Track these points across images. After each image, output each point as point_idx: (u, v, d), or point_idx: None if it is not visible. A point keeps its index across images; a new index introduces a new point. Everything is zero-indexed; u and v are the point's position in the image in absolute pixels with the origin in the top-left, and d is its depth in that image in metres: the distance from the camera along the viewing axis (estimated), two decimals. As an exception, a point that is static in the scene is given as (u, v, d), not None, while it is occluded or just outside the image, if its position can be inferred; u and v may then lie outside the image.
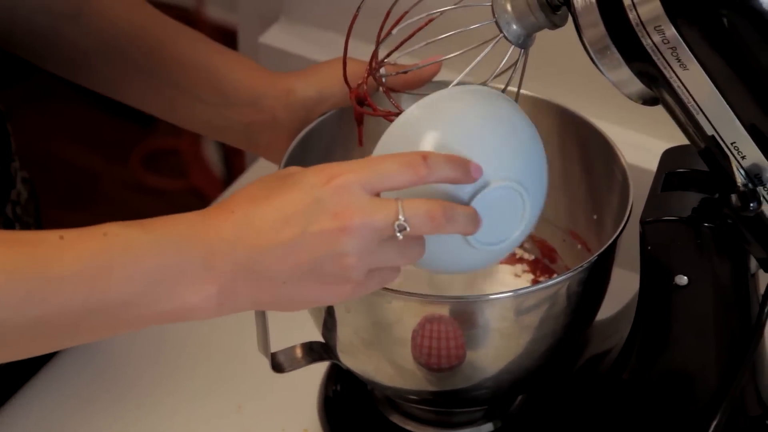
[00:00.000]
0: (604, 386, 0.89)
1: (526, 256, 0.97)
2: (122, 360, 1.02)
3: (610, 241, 0.83)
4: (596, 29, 0.77)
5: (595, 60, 0.78)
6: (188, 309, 0.73)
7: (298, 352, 0.91)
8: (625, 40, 0.76)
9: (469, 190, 0.75)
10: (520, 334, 0.84)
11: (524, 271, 0.96)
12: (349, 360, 0.89)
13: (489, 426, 0.93)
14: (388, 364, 0.86)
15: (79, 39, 0.92)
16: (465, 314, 0.82)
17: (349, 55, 0.86)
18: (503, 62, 0.81)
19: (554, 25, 0.80)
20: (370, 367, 0.88)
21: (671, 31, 0.74)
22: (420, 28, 0.83)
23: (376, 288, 0.75)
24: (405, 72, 0.86)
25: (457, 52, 0.81)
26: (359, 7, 0.83)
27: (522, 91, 0.85)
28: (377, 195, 0.72)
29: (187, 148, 2.12)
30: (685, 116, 0.78)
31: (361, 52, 0.89)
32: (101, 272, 0.71)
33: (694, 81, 0.76)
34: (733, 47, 0.74)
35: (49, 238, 0.72)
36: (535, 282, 0.95)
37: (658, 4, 0.73)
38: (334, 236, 0.71)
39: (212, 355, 1.02)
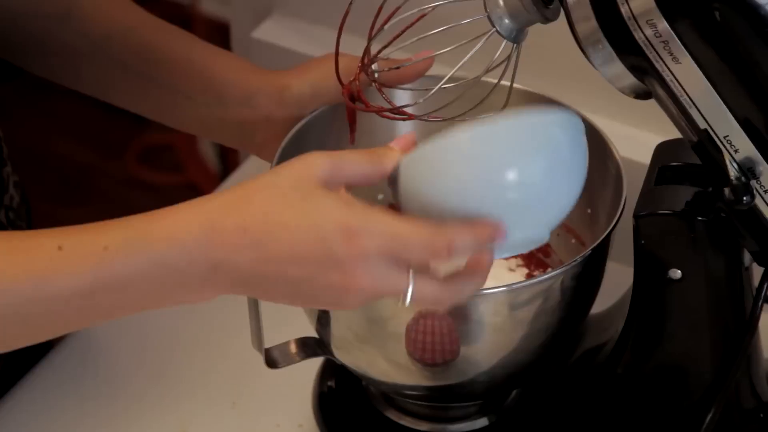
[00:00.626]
0: (599, 380, 0.89)
1: (520, 250, 0.97)
2: (116, 357, 1.02)
3: (604, 235, 0.83)
4: (588, 23, 0.76)
5: (588, 54, 0.78)
6: (177, 304, 0.73)
7: (293, 348, 0.91)
8: (617, 34, 0.76)
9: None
10: (514, 328, 0.84)
11: (518, 266, 0.96)
12: (343, 355, 0.89)
13: (484, 420, 0.93)
14: (382, 360, 0.86)
15: (68, 41, 0.92)
16: (459, 309, 0.82)
17: (342, 50, 0.86)
18: (496, 57, 0.81)
19: (546, 20, 0.80)
20: (365, 362, 0.88)
21: (663, 25, 0.74)
22: (412, 24, 0.83)
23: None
24: (397, 67, 0.86)
25: (450, 47, 0.81)
26: (351, 2, 0.83)
27: (515, 85, 0.85)
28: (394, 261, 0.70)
29: (182, 143, 2.11)
30: (677, 110, 0.78)
31: (353, 47, 0.88)
32: (100, 290, 0.70)
33: (686, 75, 0.76)
34: (726, 41, 0.74)
35: (47, 246, 0.70)
36: (529, 276, 0.95)
37: (650, -3, 0.73)
38: (339, 291, 0.70)
39: (206, 352, 1.02)
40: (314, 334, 0.90)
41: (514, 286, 0.82)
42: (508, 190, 0.70)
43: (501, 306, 0.82)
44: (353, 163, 0.73)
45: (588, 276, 0.85)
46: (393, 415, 0.94)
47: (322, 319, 0.87)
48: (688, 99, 0.77)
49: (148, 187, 2.11)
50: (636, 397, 0.88)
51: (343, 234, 0.69)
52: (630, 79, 0.78)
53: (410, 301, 0.71)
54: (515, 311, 0.83)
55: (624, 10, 0.75)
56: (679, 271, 0.82)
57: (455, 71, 0.80)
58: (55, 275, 0.70)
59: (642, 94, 0.80)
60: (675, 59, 0.75)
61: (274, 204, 0.70)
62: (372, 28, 0.83)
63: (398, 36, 0.83)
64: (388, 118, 0.86)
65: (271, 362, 0.89)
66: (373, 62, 0.84)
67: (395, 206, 0.97)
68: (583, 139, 0.72)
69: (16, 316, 0.70)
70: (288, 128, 0.90)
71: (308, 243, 0.69)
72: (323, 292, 0.71)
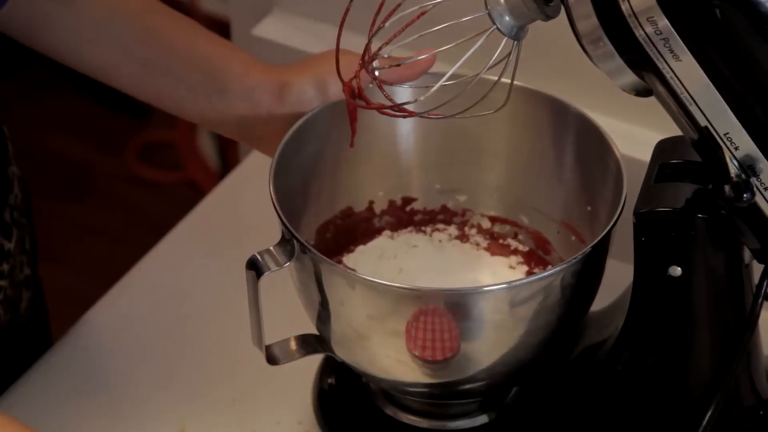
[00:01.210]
0: (599, 377, 0.89)
1: (521, 247, 0.97)
2: (115, 354, 1.02)
3: (604, 233, 0.83)
4: (589, 20, 0.76)
5: (588, 51, 0.78)
6: None
7: (293, 345, 0.91)
8: (618, 31, 0.76)
9: None
10: (514, 325, 0.84)
11: (519, 263, 0.96)
12: (343, 352, 0.89)
13: (484, 417, 0.93)
14: (382, 357, 0.86)
15: (73, 24, 0.92)
16: (459, 306, 0.82)
17: (342, 47, 0.86)
18: (496, 54, 0.81)
19: (547, 17, 0.80)
20: (365, 359, 0.88)
21: (664, 23, 0.74)
22: (413, 21, 0.83)
23: None
24: (398, 65, 0.86)
25: (450, 45, 0.81)
26: None
27: (515, 82, 0.85)
28: None
29: (181, 141, 2.11)
30: (678, 107, 0.78)
31: (354, 43, 0.88)
32: None
33: (686, 72, 0.76)
34: (726, 38, 0.74)
35: None
36: (529, 273, 0.95)
37: (651, -6, 0.73)
38: None
39: (206, 349, 1.02)
40: (314, 331, 0.90)
41: (514, 284, 0.82)
42: None
43: (501, 303, 0.82)
44: None
45: (588, 273, 0.85)
46: (393, 412, 0.94)
47: (323, 316, 0.87)
48: (688, 96, 0.77)
49: (147, 185, 2.11)
50: (636, 394, 0.88)
51: None
52: (630, 77, 0.78)
53: None
54: (515, 308, 0.83)
55: (624, 7, 0.75)
56: (679, 269, 0.82)
57: (456, 69, 0.80)
58: None
59: (642, 92, 0.80)
60: (675, 56, 0.75)
61: None
62: (373, 25, 0.83)
63: (399, 33, 0.83)
64: (388, 115, 0.86)
65: (272, 359, 0.89)
66: (373, 59, 0.84)
67: (394, 202, 0.97)
68: None
69: None
70: (288, 124, 0.90)
71: None
72: None
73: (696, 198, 0.82)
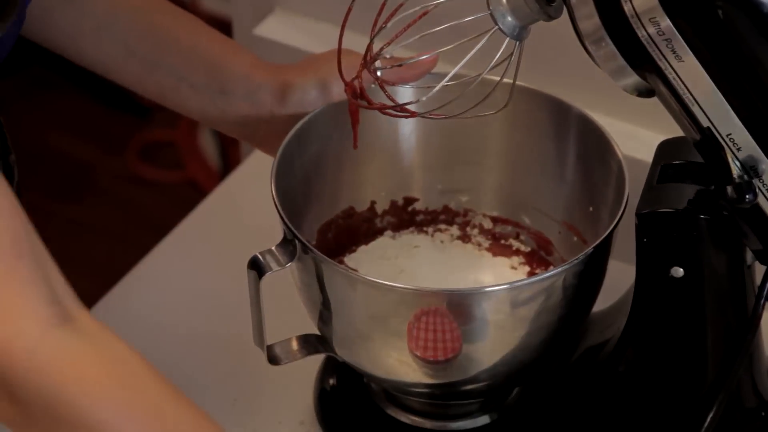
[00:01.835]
0: (601, 378, 0.89)
1: (523, 248, 0.97)
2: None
3: (606, 233, 0.83)
4: (591, 21, 0.76)
5: (590, 52, 0.78)
6: None
7: (294, 345, 0.91)
8: (620, 31, 0.76)
9: None
10: (516, 326, 0.84)
11: (520, 263, 0.96)
12: (345, 352, 0.89)
13: (485, 418, 0.93)
14: (384, 357, 0.86)
15: (75, 19, 0.91)
16: (461, 307, 0.82)
17: (344, 47, 0.86)
18: (498, 54, 0.81)
19: (549, 17, 0.80)
20: (366, 359, 0.88)
21: (666, 23, 0.74)
22: (415, 21, 0.83)
23: None
24: (400, 65, 0.86)
25: (452, 45, 0.81)
26: None
27: (517, 83, 0.85)
28: None
29: (182, 140, 2.11)
30: (680, 108, 0.78)
31: (356, 44, 0.88)
32: None
33: (689, 73, 0.75)
34: (729, 39, 0.74)
35: None
36: (531, 274, 0.95)
37: (653, -5, 0.73)
38: None
39: (207, 349, 1.02)
40: (316, 332, 0.90)
41: (516, 284, 0.82)
42: None
43: (503, 304, 0.82)
44: None
45: (590, 274, 0.85)
46: (394, 413, 0.94)
47: (324, 317, 0.87)
48: (690, 97, 0.76)
49: (148, 184, 2.11)
50: (637, 395, 0.88)
51: None
52: (632, 77, 0.78)
53: None
54: (517, 309, 0.83)
55: (627, 7, 0.75)
56: (681, 270, 0.82)
57: (458, 69, 0.80)
58: None
59: (644, 92, 0.80)
60: (678, 57, 0.75)
61: None
62: (375, 25, 0.83)
63: (401, 33, 0.83)
64: (390, 115, 0.86)
65: (273, 359, 0.89)
66: (375, 60, 0.84)
67: (395, 202, 0.97)
68: None
69: None
70: (290, 124, 0.90)
71: None
72: None
73: (698, 199, 0.82)
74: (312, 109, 0.91)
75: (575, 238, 0.94)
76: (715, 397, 0.84)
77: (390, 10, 0.83)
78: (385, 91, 0.85)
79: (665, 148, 0.87)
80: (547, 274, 0.82)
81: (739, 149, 0.77)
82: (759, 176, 0.77)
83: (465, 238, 0.97)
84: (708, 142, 0.78)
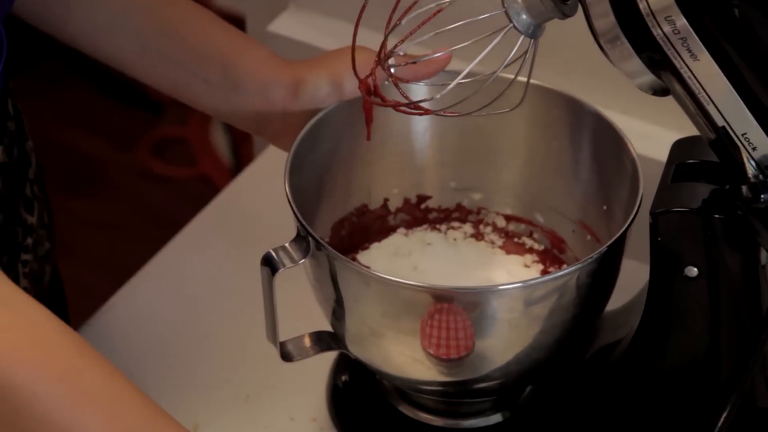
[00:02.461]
0: (614, 377, 0.89)
1: (536, 246, 0.97)
2: (129, 351, 1.02)
3: (620, 232, 0.83)
4: (606, 19, 0.76)
5: (605, 50, 0.77)
6: None
7: (307, 342, 0.91)
8: (635, 30, 0.76)
9: None
10: (529, 324, 0.84)
11: (534, 262, 0.96)
12: (357, 349, 0.89)
13: (498, 416, 0.93)
14: (396, 355, 0.86)
15: (90, 13, 0.92)
16: (474, 305, 0.82)
17: (358, 43, 0.86)
18: (513, 52, 0.80)
19: (564, 15, 0.80)
20: (379, 357, 0.88)
21: (682, 22, 0.74)
22: (429, 18, 0.83)
23: None
24: (414, 62, 0.86)
25: (467, 42, 0.80)
26: (369, -4, 0.83)
27: (532, 81, 0.85)
28: None
29: (195, 136, 2.12)
30: (695, 107, 0.77)
31: (370, 40, 0.88)
32: None
33: (704, 72, 0.75)
34: (745, 38, 0.74)
35: None
36: (544, 273, 0.95)
37: (669, -6, 0.73)
38: None
39: (220, 345, 1.02)
40: (329, 329, 0.90)
41: (529, 283, 0.82)
42: None
43: (516, 302, 0.82)
44: None
45: (603, 273, 0.85)
46: (406, 410, 0.94)
47: (337, 313, 0.87)
48: (706, 96, 0.76)
49: (160, 180, 2.11)
50: (650, 394, 0.88)
51: None
52: (648, 76, 0.78)
53: None
54: (530, 307, 0.83)
55: (642, 6, 0.75)
56: (696, 269, 0.82)
57: (472, 67, 0.80)
58: None
59: (659, 91, 0.80)
60: (693, 56, 0.75)
61: None
62: (389, 22, 0.83)
63: (415, 30, 0.83)
64: (404, 112, 0.85)
65: (286, 356, 0.89)
66: (389, 57, 0.84)
67: (409, 200, 0.97)
68: None
69: None
70: (304, 120, 0.90)
71: None
72: None
73: (713, 198, 0.81)
74: (324, 105, 0.90)
75: (589, 237, 0.94)
76: (729, 397, 0.84)
77: (404, 7, 0.83)
78: (399, 89, 0.85)
79: (680, 147, 0.87)
80: (561, 273, 0.82)
81: (754, 149, 0.77)
82: (774, 176, 0.77)
83: (478, 235, 0.97)
84: (723, 141, 0.77)
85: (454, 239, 0.97)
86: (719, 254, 0.81)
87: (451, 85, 0.82)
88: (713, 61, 0.75)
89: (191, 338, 1.02)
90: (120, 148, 2.17)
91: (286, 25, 1.19)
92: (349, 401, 0.96)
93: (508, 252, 0.96)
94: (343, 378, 0.97)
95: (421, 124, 0.95)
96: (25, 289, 0.88)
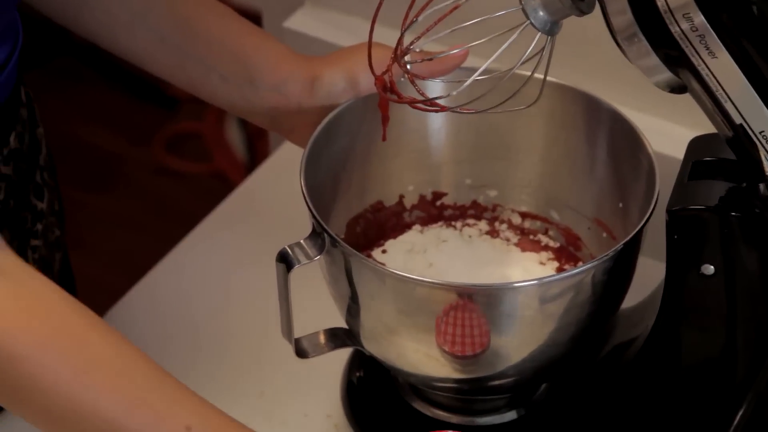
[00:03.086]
0: (629, 375, 0.89)
1: (551, 243, 0.97)
2: (143, 346, 1.02)
3: (636, 230, 0.83)
4: (624, 16, 0.76)
5: (623, 48, 0.77)
6: None
7: (322, 338, 0.91)
8: (653, 27, 0.75)
9: None
10: (544, 322, 0.84)
11: (549, 259, 0.96)
12: (372, 346, 0.89)
13: (512, 414, 0.93)
14: (411, 351, 0.86)
15: (109, 9, 0.92)
16: (490, 302, 0.82)
17: (374, 40, 0.86)
18: (529, 49, 0.80)
19: (581, 12, 0.79)
20: (394, 353, 0.88)
21: (700, 19, 0.74)
22: (446, 15, 0.83)
23: None
24: (431, 59, 0.86)
25: (483, 39, 0.80)
26: (385, -7, 0.83)
27: (548, 78, 0.84)
28: None
29: (210, 132, 2.12)
30: (712, 104, 0.77)
31: (386, 37, 0.88)
32: None
33: (722, 69, 0.75)
34: (763, 36, 0.73)
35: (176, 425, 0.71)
36: (560, 270, 0.95)
37: (687, -9, 0.73)
38: None
39: (235, 341, 1.02)
40: (344, 325, 0.90)
41: (545, 280, 0.82)
42: None
43: (532, 299, 0.82)
44: None
45: (619, 270, 0.85)
46: (421, 407, 0.94)
47: (352, 310, 0.87)
48: (723, 94, 0.76)
49: (175, 175, 2.12)
50: (666, 393, 0.87)
51: None
52: (665, 73, 0.78)
53: None
54: (546, 305, 0.83)
55: (660, 3, 0.74)
56: (712, 267, 0.82)
57: (489, 64, 0.80)
58: None
59: (677, 89, 0.79)
60: (711, 53, 0.75)
61: None
62: (405, 18, 0.83)
63: (431, 27, 0.83)
64: (420, 109, 0.85)
65: (301, 352, 0.89)
66: (406, 53, 0.84)
67: (424, 197, 0.97)
68: None
69: None
70: (319, 116, 0.90)
71: None
72: None
73: (730, 196, 0.81)
74: (340, 101, 0.90)
75: (605, 235, 0.94)
76: (745, 395, 0.83)
77: (421, 4, 0.83)
78: (415, 85, 0.84)
79: (697, 145, 0.87)
80: (576, 270, 0.82)
81: (772, 146, 0.77)
82: (792, 174, 0.77)
83: (493, 233, 0.97)
84: (740, 139, 0.77)
85: (470, 236, 0.97)
86: (736, 252, 0.81)
87: (467, 82, 0.81)
88: (731, 59, 0.74)
89: (206, 334, 1.03)
90: (135, 144, 2.17)
91: (303, 22, 1.19)
92: (363, 398, 0.96)
93: (524, 249, 0.96)
94: (358, 375, 0.97)
95: (436, 121, 0.95)
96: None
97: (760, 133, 0.76)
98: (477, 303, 0.82)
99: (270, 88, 0.91)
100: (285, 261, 0.84)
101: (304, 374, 0.98)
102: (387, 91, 0.87)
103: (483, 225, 0.98)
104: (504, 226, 0.97)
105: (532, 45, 0.80)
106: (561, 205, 0.96)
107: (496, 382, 0.88)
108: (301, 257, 0.84)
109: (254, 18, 1.21)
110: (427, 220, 0.98)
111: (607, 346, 0.92)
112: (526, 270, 0.94)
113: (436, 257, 0.95)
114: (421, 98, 0.85)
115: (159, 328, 1.03)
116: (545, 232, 0.97)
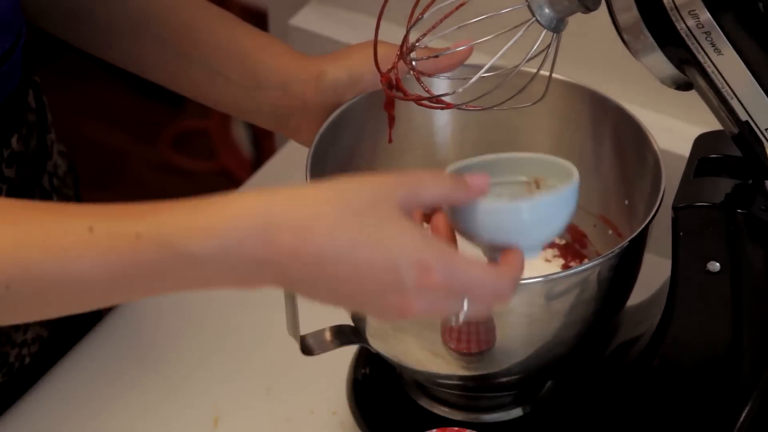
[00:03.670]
0: (635, 372, 0.89)
1: (557, 240, 0.97)
2: (151, 343, 1.03)
3: (642, 227, 0.83)
4: (630, 13, 0.76)
5: (629, 44, 0.77)
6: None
7: (328, 336, 0.91)
8: (659, 24, 0.75)
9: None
10: (550, 319, 0.84)
11: (555, 256, 0.96)
12: (378, 343, 0.89)
13: (518, 411, 0.93)
14: (417, 348, 0.86)
15: (110, 17, 0.92)
16: (495, 299, 0.82)
17: (380, 38, 0.86)
18: (535, 46, 0.80)
19: (587, 9, 0.79)
20: (400, 351, 0.88)
21: (705, 16, 0.74)
22: (451, 12, 0.83)
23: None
24: (436, 56, 0.86)
25: (489, 36, 0.80)
26: (391, -10, 0.83)
27: (554, 75, 0.84)
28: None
29: (216, 129, 2.12)
30: (718, 101, 0.77)
31: (392, 35, 0.88)
32: (127, 278, 0.69)
33: (728, 66, 0.75)
34: (769, 32, 0.73)
35: (77, 227, 0.68)
36: (565, 267, 0.95)
37: (693, -13, 0.73)
38: (393, 311, 0.70)
39: (242, 338, 1.02)
40: (350, 322, 0.90)
41: (550, 277, 0.82)
42: (537, 235, 0.78)
43: (537, 296, 0.82)
44: (433, 187, 0.72)
45: (625, 267, 0.84)
46: (427, 404, 0.94)
47: (358, 307, 0.87)
48: (729, 90, 0.76)
49: (181, 173, 2.12)
50: (671, 390, 0.87)
51: (418, 269, 0.69)
52: (671, 70, 0.78)
53: (462, 318, 0.72)
54: (551, 302, 0.83)
55: (666, 0, 0.74)
56: (718, 264, 0.82)
57: (494, 60, 0.80)
58: (82, 260, 0.68)
59: (683, 85, 0.79)
60: (717, 50, 0.75)
61: (348, 224, 0.68)
62: (411, 16, 0.83)
63: (437, 24, 0.83)
64: (426, 106, 0.85)
65: (307, 349, 0.89)
66: (411, 51, 0.84)
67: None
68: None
69: (34, 293, 0.69)
70: (324, 114, 0.90)
71: (377, 269, 0.68)
72: (375, 307, 0.71)
73: (736, 193, 0.81)
74: (344, 98, 0.90)
75: (610, 232, 0.94)
76: (751, 393, 0.83)
77: (426, 1, 0.83)
78: (420, 82, 0.85)
79: (703, 142, 0.87)
80: (582, 268, 0.82)
81: (777, 144, 0.77)
82: (798, 171, 0.77)
83: (499, 230, 0.97)
84: (746, 135, 0.77)
85: (475, 233, 0.97)
86: (742, 249, 0.81)
87: (473, 79, 0.81)
88: (737, 56, 0.74)
89: (212, 331, 1.03)
90: (141, 142, 2.17)
91: (308, 19, 1.19)
92: (369, 395, 0.96)
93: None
94: (364, 372, 0.97)
95: (442, 119, 0.95)
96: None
97: (766, 129, 0.76)
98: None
99: (275, 87, 0.91)
100: (291, 258, 0.84)
101: (310, 371, 0.98)
102: (392, 89, 0.87)
103: (489, 222, 0.97)
104: (509, 223, 0.97)
105: (538, 42, 0.80)
106: (567, 202, 0.96)
107: (502, 380, 0.88)
108: (306, 254, 0.84)
109: (260, 16, 1.21)
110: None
111: (612, 343, 0.92)
112: (531, 267, 0.94)
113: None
114: (426, 95, 0.85)
115: (165, 325, 1.04)
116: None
